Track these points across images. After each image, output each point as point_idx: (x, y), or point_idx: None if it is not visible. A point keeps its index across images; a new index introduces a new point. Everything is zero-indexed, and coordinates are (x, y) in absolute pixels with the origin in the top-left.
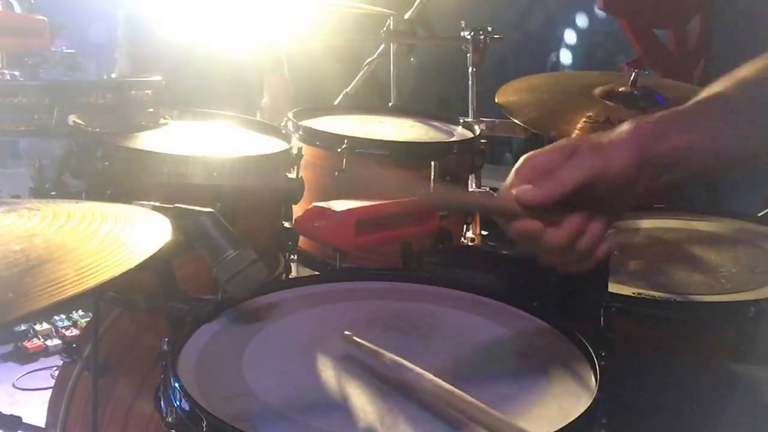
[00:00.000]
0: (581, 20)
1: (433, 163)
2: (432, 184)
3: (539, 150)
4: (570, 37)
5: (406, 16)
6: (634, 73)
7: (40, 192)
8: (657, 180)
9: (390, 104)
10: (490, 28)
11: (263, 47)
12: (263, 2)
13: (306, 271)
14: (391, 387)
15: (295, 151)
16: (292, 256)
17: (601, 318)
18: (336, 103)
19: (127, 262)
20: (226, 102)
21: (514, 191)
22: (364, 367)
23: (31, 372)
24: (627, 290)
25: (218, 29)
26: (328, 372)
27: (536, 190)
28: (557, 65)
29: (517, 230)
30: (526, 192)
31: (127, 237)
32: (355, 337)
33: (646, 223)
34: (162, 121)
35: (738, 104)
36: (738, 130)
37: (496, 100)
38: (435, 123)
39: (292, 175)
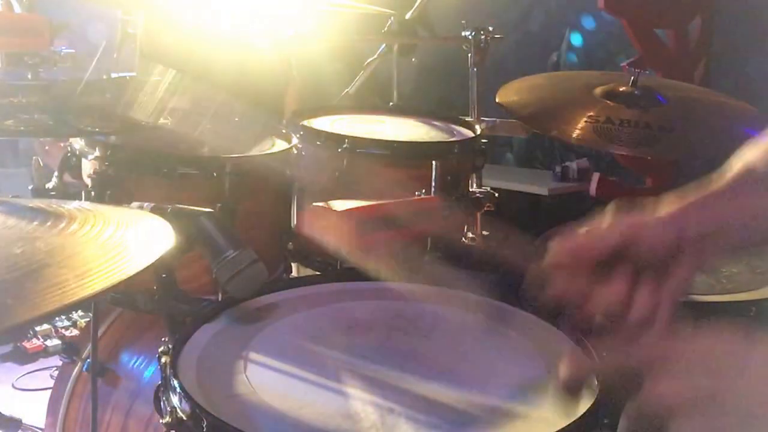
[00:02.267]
0: (582, 20)
1: (433, 162)
2: (432, 184)
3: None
4: (571, 37)
5: (407, 16)
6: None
7: (40, 192)
8: (703, 254)
9: (390, 104)
10: (491, 28)
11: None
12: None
13: (306, 271)
14: (391, 387)
15: (295, 151)
16: (291, 256)
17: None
18: (336, 103)
19: (127, 269)
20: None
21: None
22: (364, 367)
23: (30, 372)
24: None
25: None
26: (328, 372)
27: (574, 245)
28: (558, 65)
29: (558, 289)
30: (563, 254)
31: (128, 243)
32: None
33: None
34: (162, 121)
35: None
36: None
37: (497, 100)
38: (436, 123)
39: (293, 175)
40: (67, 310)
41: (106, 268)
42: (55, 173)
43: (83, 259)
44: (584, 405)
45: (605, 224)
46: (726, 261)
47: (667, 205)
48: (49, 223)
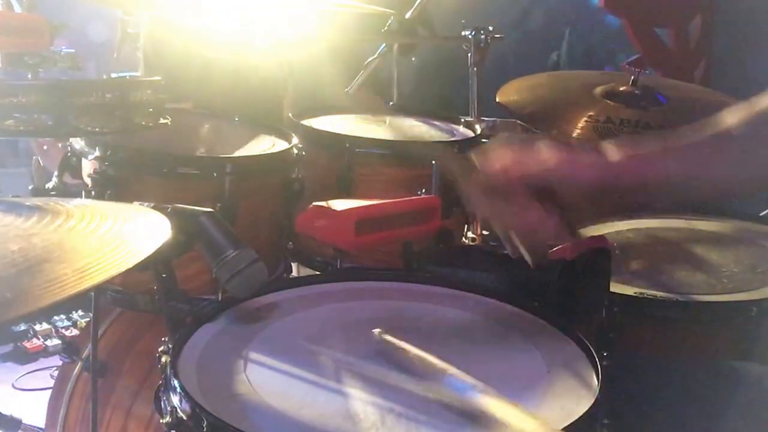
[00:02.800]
0: (582, 19)
1: (434, 162)
2: (432, 184)
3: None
4: (571, 36)
5: (407, 16)
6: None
7: (40, 192)
8: (629, 199)
9: (390, 104)
10: (491, 28)
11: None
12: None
13: (306, 271)
14: (392, 387)
15: (295, 151)
16: (291, 256)
17: (603, 318)
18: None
19: (126, 261)
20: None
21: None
22: (364, 367)
23: (30, 372)
24: (629, 290)
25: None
26: (328, 372)
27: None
28: (558, 65)
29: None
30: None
31: (126, 236)
32: (385, 336)
33: (648, 223)
34: (162, 121)
35: (747, 144)
36: (739, 171)
37: (497, 100)
38: (436, 122)
39: (293, 175)
40: (67, 302)
41: (104, 261)
42: (55, 173)
43: (81, 254)
44: (584, 405)
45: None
46: (728, 261)
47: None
48: (46, 220)
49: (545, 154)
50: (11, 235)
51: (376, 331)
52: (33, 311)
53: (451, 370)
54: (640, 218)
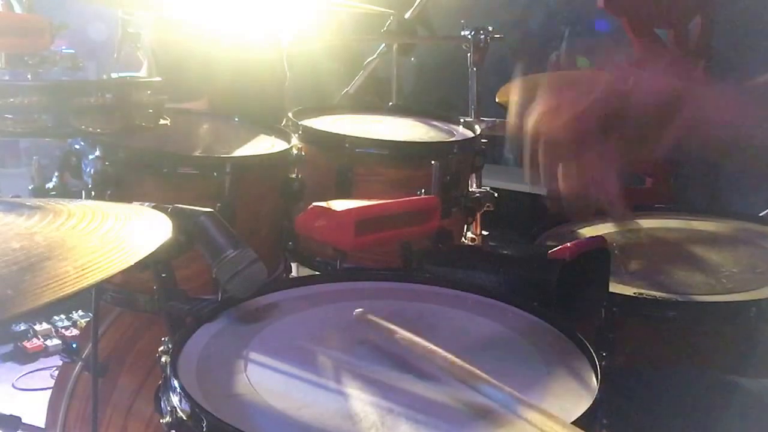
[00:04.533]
0: (581, 19)
1: (433, 162)
2: (432, 184)
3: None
4: (570, 36)
5: (407, 16)
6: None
7: (40, 192)
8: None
9: (390, 104)
10: (490, 28)
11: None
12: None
13: (306, 271)
14: (392, 387)
15: (295, 151)
16: (291, 256)
17: (602, 318)
18: (336, 103)
19: (127, 259)
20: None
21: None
22: (364, 367)
23: (30, 372)
24: (628, 290)
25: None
26: (328, 372)
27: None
28: (558, 65)
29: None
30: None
31: (127, 235)
32: (369, 316)
33: (647, 223)
34: (162, 121)
35: None
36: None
37: (497, 100)
38: (435, 123)
39: (293, 175)
40: (68, 300)
41: (106, 259)
42: (55, 173)
43: (82, 252)
44: (584, 405)
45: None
46: (727, 261)
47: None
48: (48, 219)
49: (595, 81)
50: (13, 233)
51: (358, 311)
52: (35, 308)
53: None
54: (639, 218)
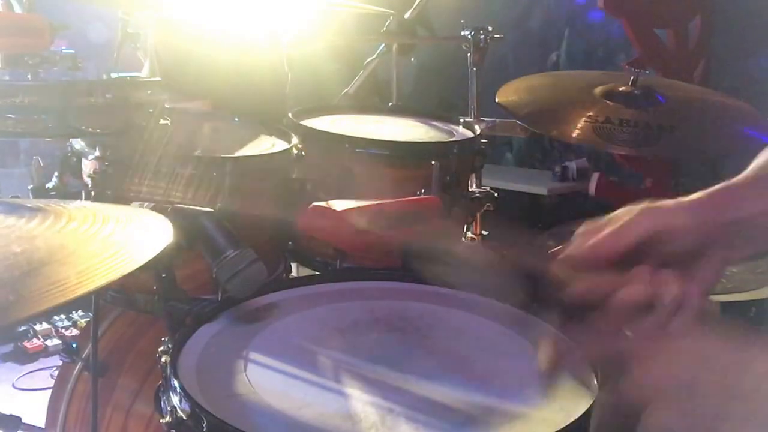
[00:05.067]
0: (581, 20)
1: (433, 162)
2: (432, 184)
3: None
4: (570, 36)
5: (406, 16)
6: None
7: (40, 192)
8: (732, 249)
9: (390, 104)
10: (490, 28)
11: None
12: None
13: (306, 271)
14: (391, 387)
15: (295, 151)
16: (291, 256)
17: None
18: (336, 103)
19: (128, 265)
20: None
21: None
22: (364, 367)
23: (30, 372)
24: None
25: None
26: (328, 372)
27: (595, 242)
28: (557, 65)
29: (583, 289)
30: (583, 247)
31: (128, 239)
32: None
33: None
34: (162, 121)
35: None
36: None
37: (497, 100)
38: (435, 123)
39: (293, 175)
40: (68, 304)
41: (107, 264)
42: (55, 173)
43: (83, 257)
44: (584, 405)
45: (627, 217)
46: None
47: (691, 196)
48: (48, 222)
49: (628, 220)
50: (14, 237)
51: None
52: (35, 314)
53: None
54: None
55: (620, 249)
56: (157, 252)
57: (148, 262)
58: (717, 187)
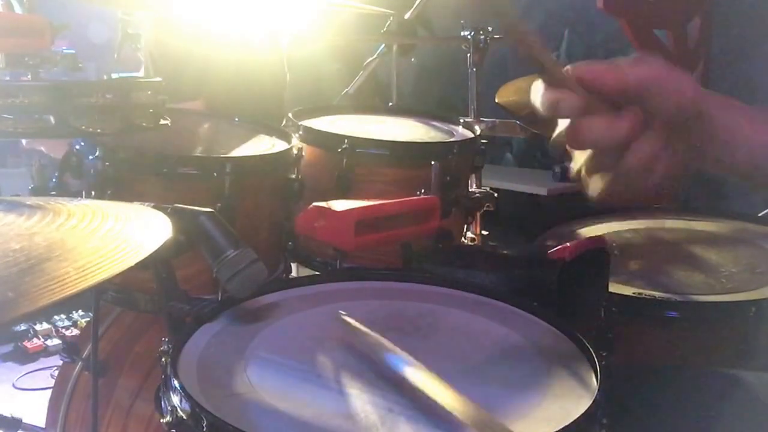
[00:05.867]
0: (581, 20)
1: (433, 163)
2: (432, 184)
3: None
4: (570, 36)
5: (407, 16)
6: None
7: (40, 192)
8: (698, 152)
9: (390, 104)
10: (490, 28)
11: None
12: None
13: (306, 271)
14: (391, 387)
15: (295, 151)
16: (291, 256)
17: (602, 318)
18: (336, 103)
19: (128, 260)
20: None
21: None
22: (364, 367)
23: (31, 372)
24: (627, 290)
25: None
26: (328, 372)
27: (597, 70)
28: None
29: (570, 106)
30: (584, 68)
31: (128, 235)
32: (345, 316)
33: (646, 223)
34: (162, 121)
35: None
36: None
37: (497, 100)
38: (435, 123)
39: (293, 175)
40: (68, 301)
41: (106, 260)
42: (56, 173)
43: (83, 253)
44: (584, 405)
45: (631, 62)
46: (726, 261)
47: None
48: (47, 219)
49: (638, 66)
50: (13, 234)
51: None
52: (35, 310)
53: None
54: (639, 218)
55: (616, 85)
56: (157, 247)
57: (147, 260)
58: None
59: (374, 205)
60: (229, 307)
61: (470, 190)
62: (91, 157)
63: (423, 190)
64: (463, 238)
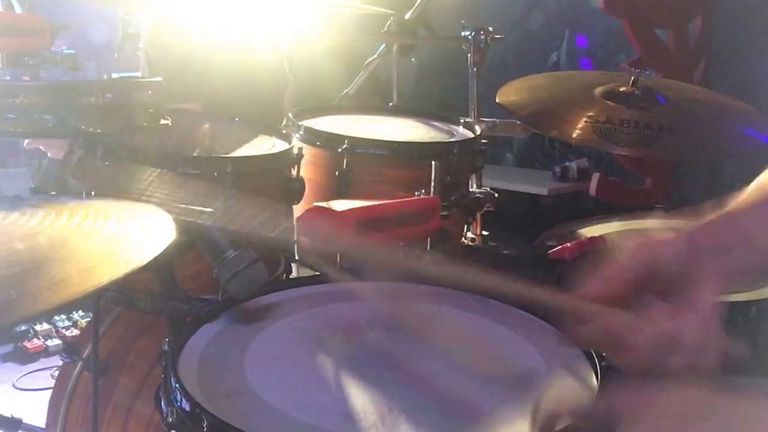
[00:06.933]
0: (581, 20)
1: (433, 163)
2: (432, 184)
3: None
4: (571, 36)
5: (407, 16)
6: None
7: (40, 191)
8: (717, 264)
9: (390, 104)
10: (490, 28)
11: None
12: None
13: (306, 271)
14: (392, 387)
15: (295, 151)
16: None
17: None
18: (336, 103)
19: (131, 263)
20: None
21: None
22: (364, 367)
23: (31, 372)
24: None
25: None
26: (328, 372)
27: (598, 284)
28: (558, 65)
29: (607, 328)
30: (588, 287)
31: (130, 236)
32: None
33: (647, 223)
34: (162, 121)
35: None
36: None
37: (497, 100)
38: (435, 123)
39: (293, 175)
40: (71, 305)
41: (109, 262)
42: (56, 173)
43: (85, 254)
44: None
45: (624, 255)
46: None
47: (683, 227)
48: (50, 219)
49: (622, 262)
50: (17, 233)
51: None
52: (37, 313)
53: None
54: (638, 219)
55: (618, 293)
56: (161, 250)
57: (150, 261)
58: (716, 215)
59: (374, 205)
60: (229, 307)
61: (470, 190)
62: (91, 157)
63: (423, 190)
64: (463, 238)
